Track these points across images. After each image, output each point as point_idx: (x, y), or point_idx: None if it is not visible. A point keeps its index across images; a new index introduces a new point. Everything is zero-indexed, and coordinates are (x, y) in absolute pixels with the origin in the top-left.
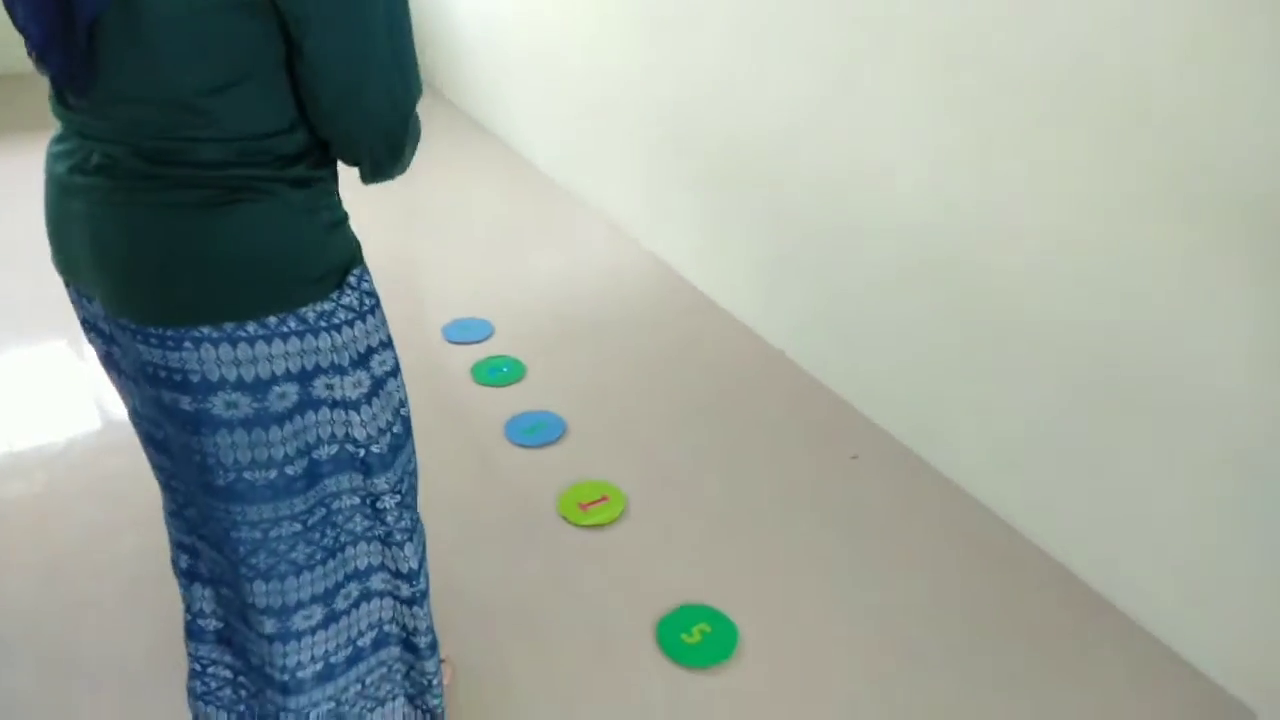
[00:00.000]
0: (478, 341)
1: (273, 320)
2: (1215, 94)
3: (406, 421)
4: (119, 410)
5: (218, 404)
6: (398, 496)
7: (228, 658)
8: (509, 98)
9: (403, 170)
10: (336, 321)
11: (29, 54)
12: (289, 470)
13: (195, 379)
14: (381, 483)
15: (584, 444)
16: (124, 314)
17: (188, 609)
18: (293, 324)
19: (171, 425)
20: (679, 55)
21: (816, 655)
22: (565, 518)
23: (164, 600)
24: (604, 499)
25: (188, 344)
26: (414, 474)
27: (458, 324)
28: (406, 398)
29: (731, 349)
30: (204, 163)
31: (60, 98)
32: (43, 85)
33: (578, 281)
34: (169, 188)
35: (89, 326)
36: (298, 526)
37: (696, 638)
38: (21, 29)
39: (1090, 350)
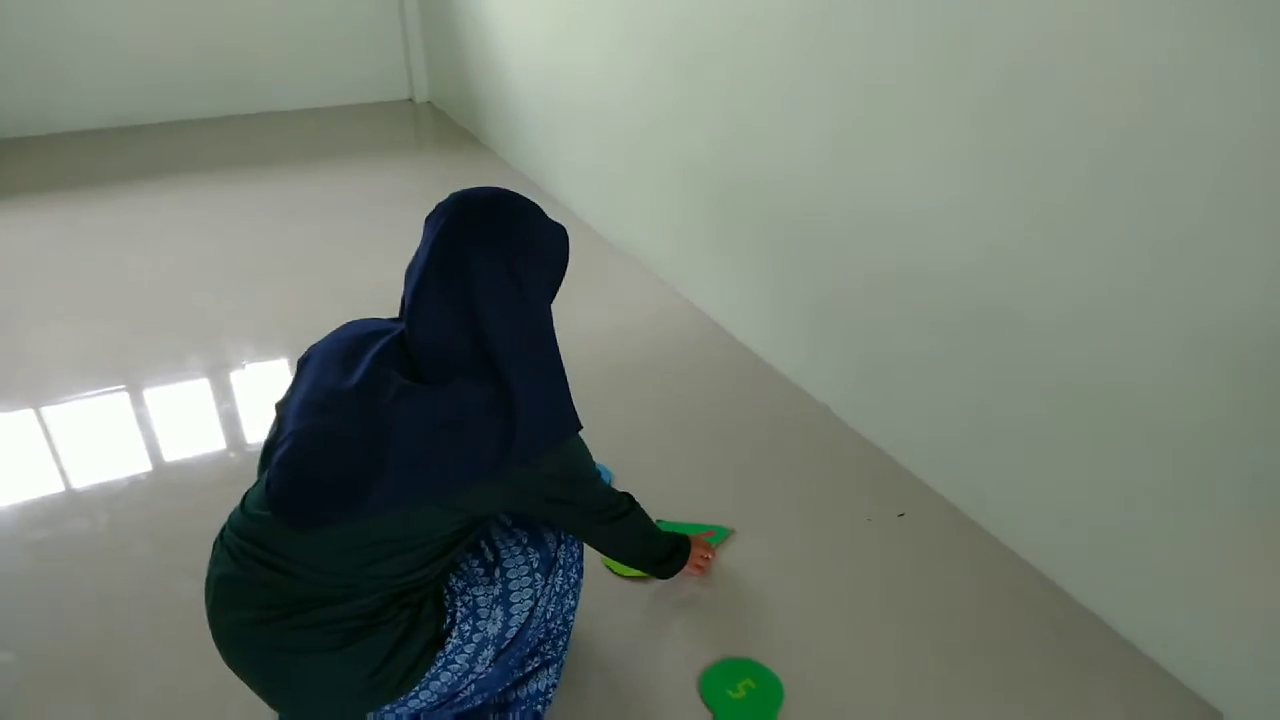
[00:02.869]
0: None
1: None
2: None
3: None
4: (178, 453)
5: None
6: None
7: None
8: (552, 150)
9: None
10: (450, 661)
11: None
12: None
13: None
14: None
15: (630, 491)
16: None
17: None
18: (416, 690)
19: None
20: (718, 104)
21: (863, 714)
22: (610, 568)
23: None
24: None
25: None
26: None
27: None
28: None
29: (773, 400)
30: (368, 592)
31: (256, 538)
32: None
33: (619, 330)
34: (328, 630)
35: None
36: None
37: (742, 693)
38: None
39: (1128, 404)
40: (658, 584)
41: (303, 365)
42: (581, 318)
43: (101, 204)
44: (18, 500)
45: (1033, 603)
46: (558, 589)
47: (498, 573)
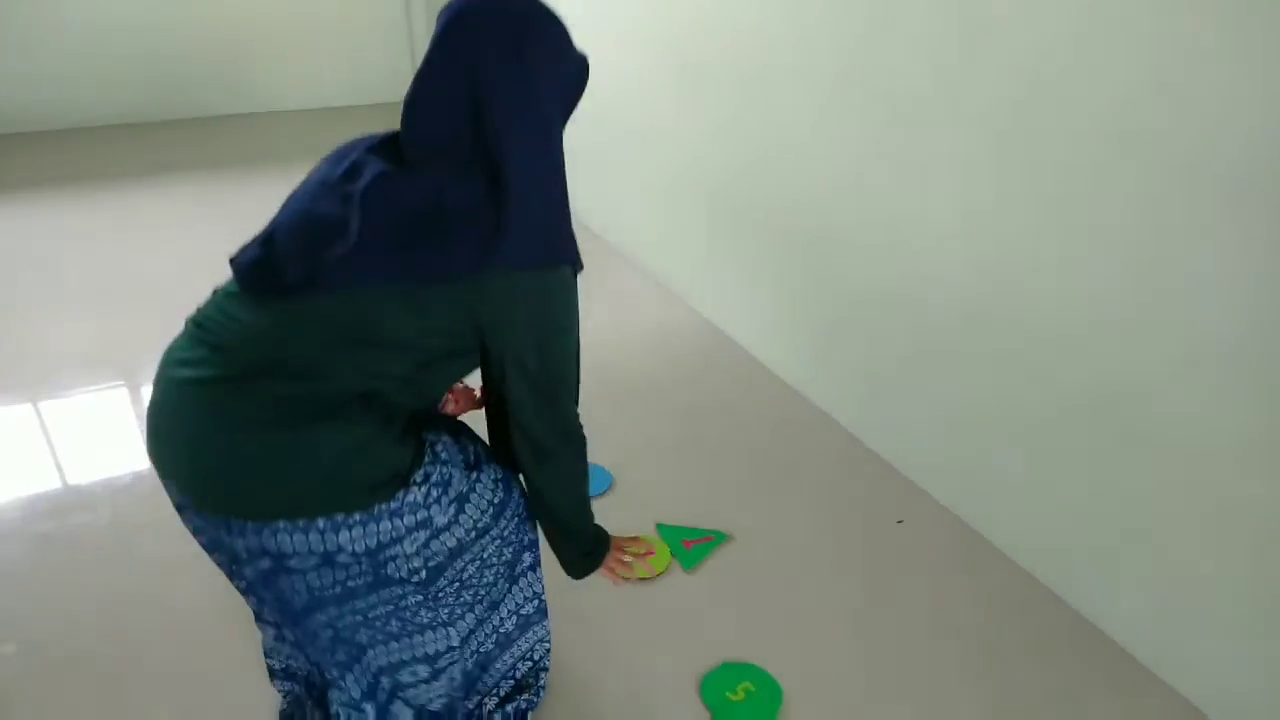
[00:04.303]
0: None
1: (340, 516)
2: (1264, 156)
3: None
4: None
5: (294, 561)
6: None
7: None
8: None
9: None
10: (399, 511)
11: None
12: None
13: (273, 550)
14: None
15: (631, 498)
16: (204, 508)
17: None
18: (358, 516)
19: (280, 594)
20: (726, 114)
21: (860, 718)
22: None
23: (218, 635)
24: (648, 553)
25: (265, 533)
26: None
27: None
28: (471, 564)
29: (778, 410)
30: (334, 378)
31: (221, 309)
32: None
33: (627, 340)
34: (281, 406)
35: (176, 500)
36: (330, 632)
37: (741, 696)
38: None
39: (1131, 413)
40: (657, 586)
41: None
42: (586, 324)
43: (108, 200)
44: (23, 494)
45: (1029, 609)
46: (505, 537)
47: (473, 475)
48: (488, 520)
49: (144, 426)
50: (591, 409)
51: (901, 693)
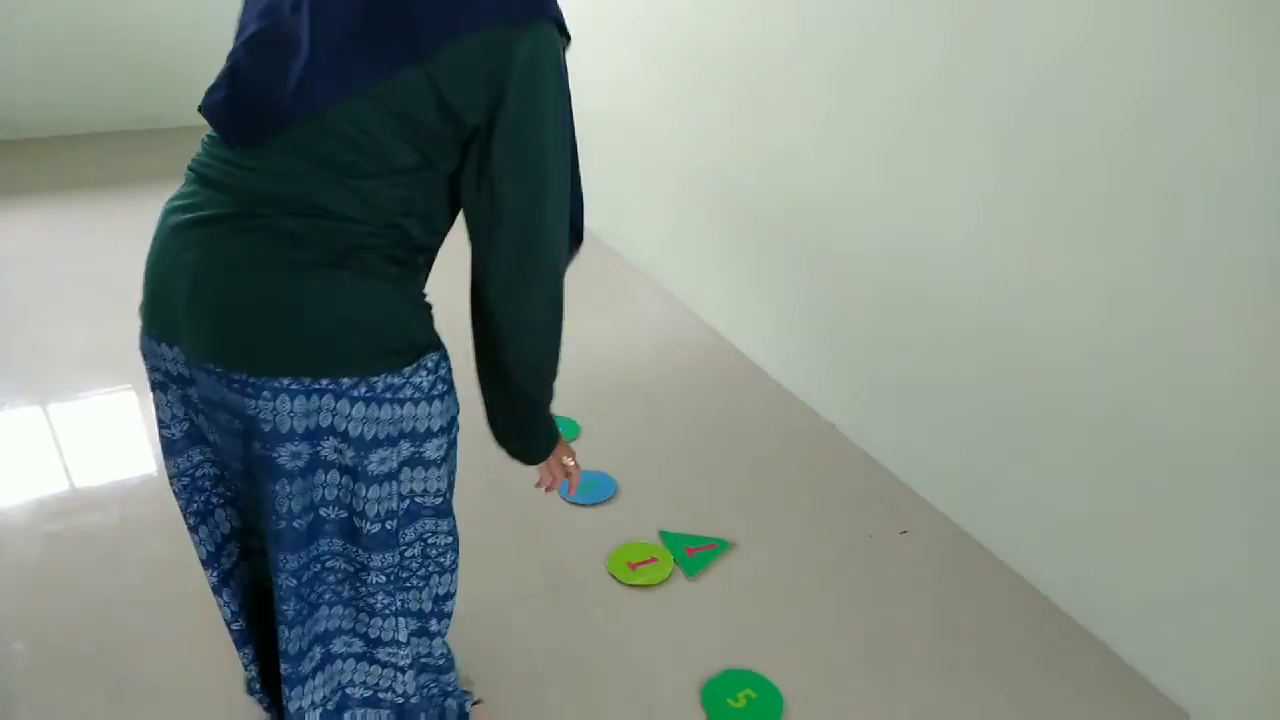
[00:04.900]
0: None
1: (346, 382)
2: (1264, 178)
3: (436, 507)
4: None
5: (284, 454)
6: (384, 577)
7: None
8: None
9: (538, 280)
10: (400, 397)
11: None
12: (296, 524)
13: (267, 428)
14: (376, 560)
15: (635, 505)
16: (207, 358)
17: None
18: (362, 390)
19: (247, 458)
20: (733, 124)
21: None
22: (615, 576)
23: (224, 637)
24: (653, 560)
25: (266, 393)
26: (423, 558)
27: None
28: (445, 488)
29: (782, 419)
30: (335, 215)
31: (209, 152)
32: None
33: (632, 347)
34: (286, 242)
35: (163, 372)
36: (293, 582)
37: (742, 703)
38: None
39: (1127, 426)
40: (660, 593)
41: None
42: (592, 331)
43: (121, 204)
44: (32, 494)
45: (1030, 619)
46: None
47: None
48: (447, 445)
49: (144, 291)
50: (596, 415)
51: (902, 701)
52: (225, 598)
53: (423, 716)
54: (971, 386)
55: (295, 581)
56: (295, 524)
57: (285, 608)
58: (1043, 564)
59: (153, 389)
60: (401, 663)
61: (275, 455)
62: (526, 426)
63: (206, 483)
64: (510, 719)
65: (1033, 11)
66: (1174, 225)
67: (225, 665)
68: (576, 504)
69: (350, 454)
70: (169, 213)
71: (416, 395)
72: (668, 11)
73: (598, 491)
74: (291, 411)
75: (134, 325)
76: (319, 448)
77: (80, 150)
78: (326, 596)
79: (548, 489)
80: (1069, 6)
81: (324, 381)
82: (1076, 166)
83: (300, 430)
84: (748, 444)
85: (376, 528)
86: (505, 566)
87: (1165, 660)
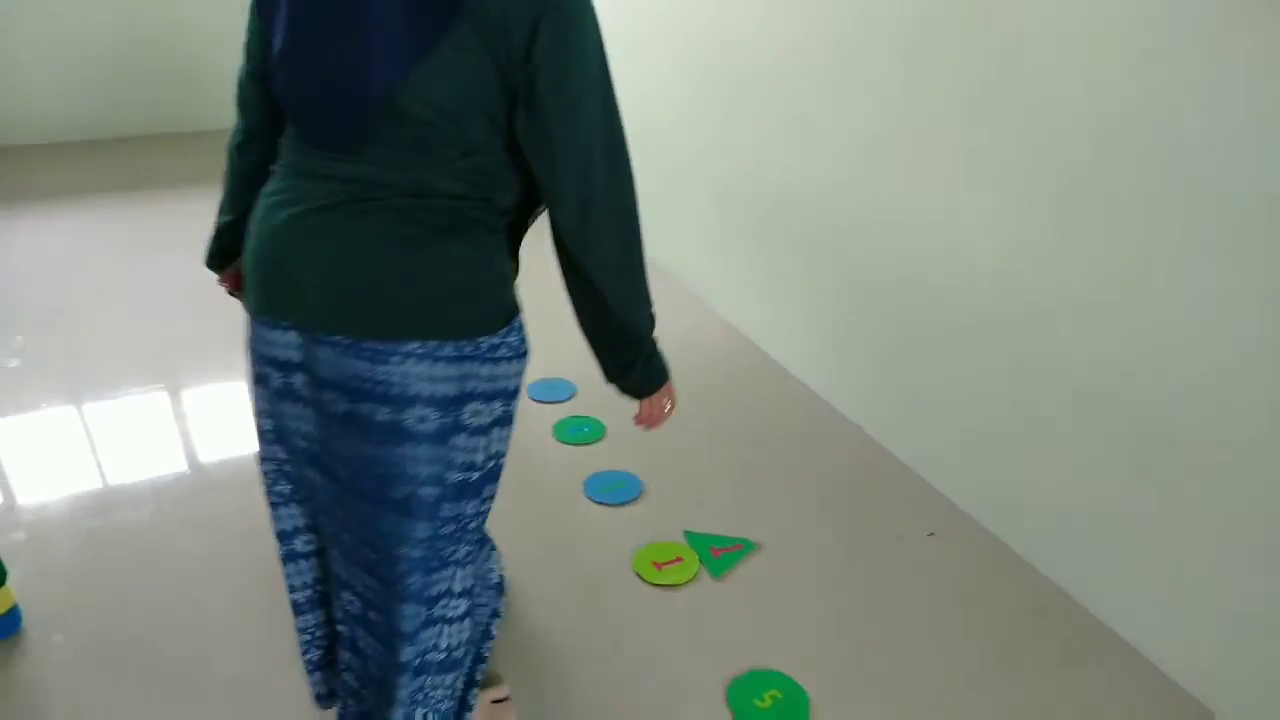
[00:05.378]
0: (561, 401)
1: (463, 343)
2: None
3: (501, 464)
4: (222, 451)
5: (411, 418)
6: (471, 522)
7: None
8: None
9: (596, 238)
10: (497, 356)
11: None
12: (436, 489)
13: (395, 392)
14: (468, 508)
15: (660, 505)
16: (339, 330)
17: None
18: (469, 349)
19: (359, 438)
20: (760, 127)
21: None
22: (640, 575)
23: (255, 634)
24: (679, 560)
25: (395, 358)
26: (485, 513)
27: (543, 383)
28: (507, 448)
29: (807, 420)
30: (442, 195)
31: (302, 150)
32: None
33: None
34: (400, 219)
35: (268, 362)
36: (419, 553)
37: (768, 703)
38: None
39: (1164, 425)
40: (685, 592)
41: None
42: None
43: (150, 207)
44: (71, 491)
45: (1056, 620)
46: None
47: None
48: (506, 432)
49: (251, 283)
50: (620, 415)
51: (929, 702)
52: (302, 566)
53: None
54: (999, 389)
55: (421, 553)
56: (421, 491)
57: (410, 581)
58: (1069, 566)
59: (255, 383)
60: (461, 613)
61: (403, 419)
62: (635, 360)
63: (289, 479)
64: (536, 717)
65: (1065, 23)
66: (1236, 248)
67: (259, 658)
68: (602, 503)
69: (466, 413)
70: (275, 206)
71: (510, 354)
72: (699, 20)
73: (623, 491)
74: (418, 375)
75: (166, 326)
76: (451, 412)
77: (112, 154)
78: (442, 559)
79: (646, 424)
80: (1104, 14)
81: (447, 346)
82: (1114, 171)
83: (425, 395)
84: (773, 445)
85: (478, 476)
86: (532, 565)
87: (1193, 664)
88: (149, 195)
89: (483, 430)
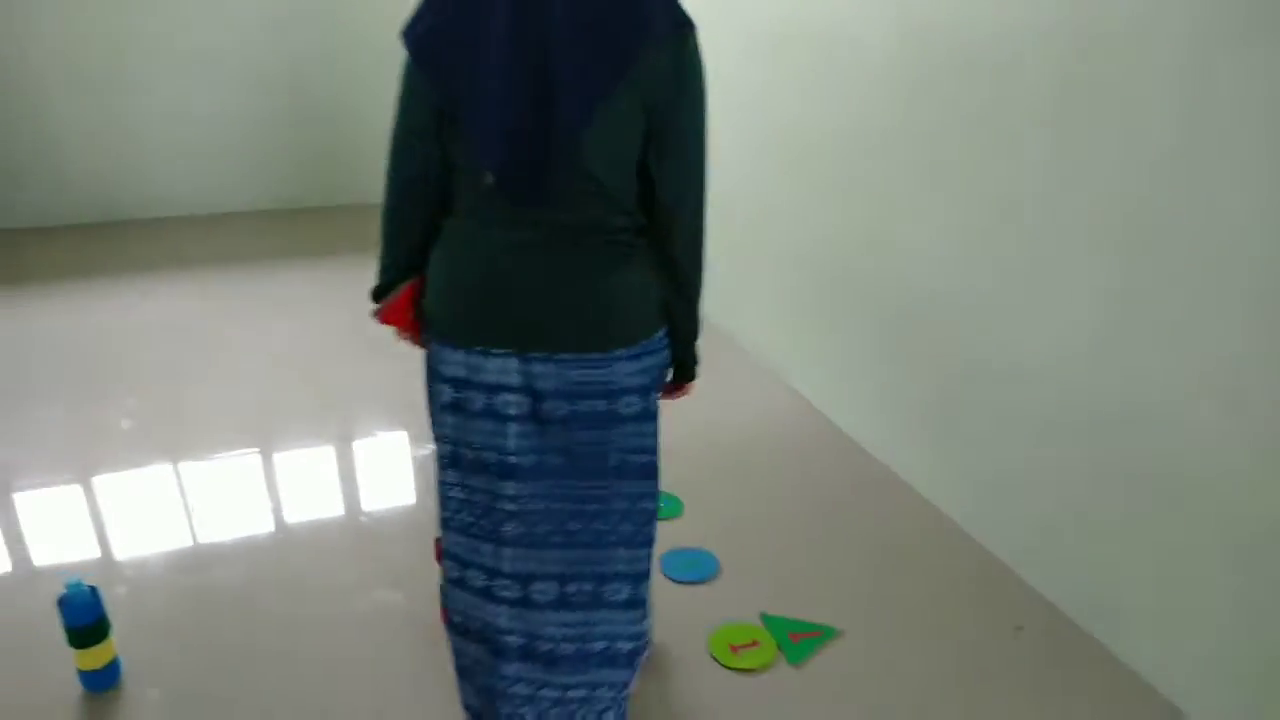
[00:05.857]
0: None
1: (646, 341)
2: None
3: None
4: (312, 513)
5: (621, 405)
6: (655, 514)
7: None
8: None
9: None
10: (660, 347)
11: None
12: (639, 458)
13: (614, 387)
14: (652, 491)
15: (737, 585)
16: (565, 349)
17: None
18: (649, 345)
19: (580, 429)
20: (832, 198)
21: None
22: (716, 658)
23: (346, 697)
24: (755, 643)
25: (610, 362)
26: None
27: None
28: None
29: (887, 501)
30: (613, 229)
31: (496, 199)
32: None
33: (735, 423)
34: (592, 251)
35: (472, 386)
36: (629, 528)
37: None
38: (498, 159)
39: (1249, 515)
40: (762, 680)
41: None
42: (688, 403)
43: (259, 278)
44: (167, 547)
45: None
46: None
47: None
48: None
49: (461, 318)
50: (697, 491)
51: None
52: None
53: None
54: (1089, 477)
55: (630, 526)
56: (629, 459)
57: (623, 527)
58: (1176, 678)
59: (443, 411)
60: (645, 614)
61: (618, 407)
62: (692, 348)
63: (452, 497)
64: None
65: (1142, 104)
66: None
67: (346, 716)
68: (678, 581)
69: (650, 399)
70: (470, 253)
71: (663, 345)
72: (776, 98)
73: (699, 569)
74: (626, 372)
75: (268, 392)
76: (644, 397)
77: (228, 227)
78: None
79: (675, 398)
80: (1179, 97)
81: (637, 346)
82: (1202, 261)
83: (631, 386)
84: (852, 526)
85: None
86: None
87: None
88: (250, 268)
89: (652, 416)
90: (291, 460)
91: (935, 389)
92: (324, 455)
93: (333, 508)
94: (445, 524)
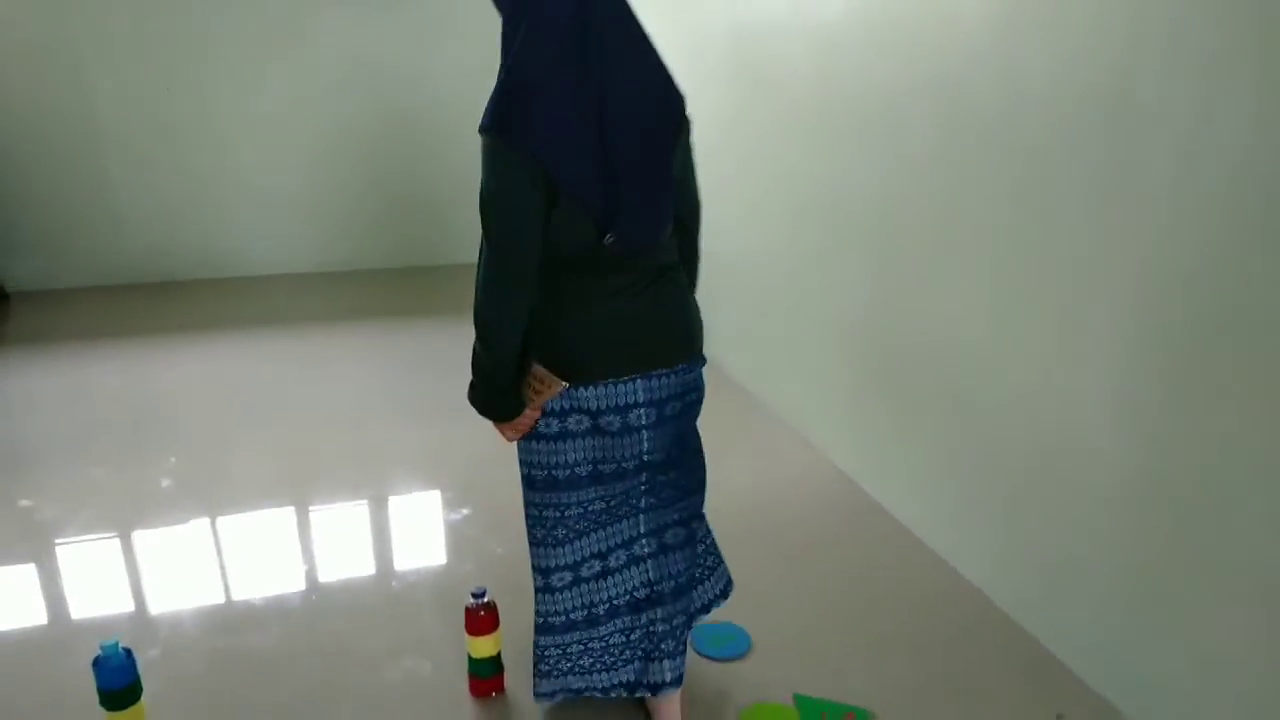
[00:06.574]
0: None
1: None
2: None
3: None
4: (347, 574)
5: (699, 399)
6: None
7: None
8: (706, 311)
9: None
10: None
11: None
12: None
13: (699, 383)
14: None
15: (769, 663)
16: (682, 361)
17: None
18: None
19: (684, 420)
20: (873, 270)
21: None
22: None
23: None
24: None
25: (698, 370)
26: None
27: None
28: None
29: (921, 578)
30: (675, 257)
31: (605, 255)
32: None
33: (770, 496)
34: (674, 280)
35: (608, 411)
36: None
37: None
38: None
39: None
40: None
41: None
42: (723, 473)
43: (296, 341)
44: (202, 606)
45: None
46: None
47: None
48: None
49: (595, 360)
50: (730, 564)
51: None
52: (614, 579)
53: None
54: (1132, 553)
55: (701, 476)
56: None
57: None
58: None
59: (562, 438)
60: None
61: (699, 400)
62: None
63: (593, 510)
64: None
65: (1180, 177)
66: None
67: None
68: (709, 657)
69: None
70: (593, 305)
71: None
72: (813, 170)
73: (731, 645)
74: (702, 375)
75: (300, 452)
76: (704, 394)
77: (283, 288)
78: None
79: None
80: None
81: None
82: (1234, 327)
83: (704, 385)
84: (888, 605)
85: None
86: (635, 717)
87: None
88: (294, 330)
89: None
90: (325, 522)
91: (976, 468)
92: (358, 517)
93: (364, 570)
94: (559, 541)
